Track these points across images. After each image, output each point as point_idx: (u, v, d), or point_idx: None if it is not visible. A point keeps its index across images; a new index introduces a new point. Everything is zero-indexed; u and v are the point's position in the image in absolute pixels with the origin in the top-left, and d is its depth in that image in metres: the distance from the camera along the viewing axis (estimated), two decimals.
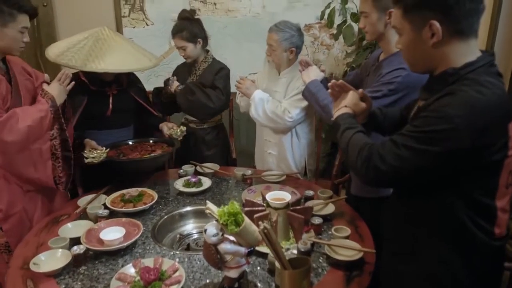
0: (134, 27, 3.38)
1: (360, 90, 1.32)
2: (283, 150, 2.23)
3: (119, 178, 1.95)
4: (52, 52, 1.97)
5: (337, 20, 3.03)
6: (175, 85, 2.32)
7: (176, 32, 2.27)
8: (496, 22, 2.35)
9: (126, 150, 2.03)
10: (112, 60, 1.94)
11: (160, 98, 2.45)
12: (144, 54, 2.16)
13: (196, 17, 2.37)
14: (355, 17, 2.89)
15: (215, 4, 3.31)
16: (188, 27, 2.27)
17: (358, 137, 1.13)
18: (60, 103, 1.77)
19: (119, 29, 3.36)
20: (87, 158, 1.83)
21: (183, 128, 2.17)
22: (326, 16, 3.00)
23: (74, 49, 1.95)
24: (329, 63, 3.43)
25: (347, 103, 1.28)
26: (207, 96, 2.27)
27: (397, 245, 1.17)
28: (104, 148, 1.92)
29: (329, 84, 1.32)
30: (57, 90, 1.77)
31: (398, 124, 1.31)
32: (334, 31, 3.10)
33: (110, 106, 2.10)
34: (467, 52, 0.99)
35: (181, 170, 2.06)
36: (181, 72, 2.48)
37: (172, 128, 2.17)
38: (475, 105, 0.91)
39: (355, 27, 2.93)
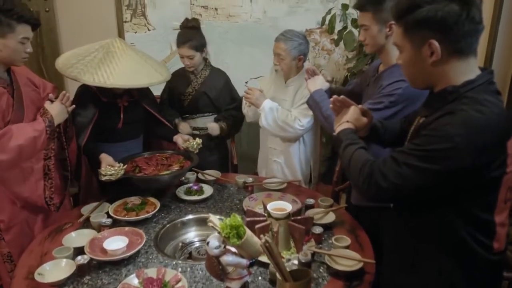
0: (135, 32, 3.40)
1: (360, 105, 1.34)
2: (289, 157, 2.26)
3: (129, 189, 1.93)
4: (62, 63, 1.94)
5: (338, 26, 3.05)
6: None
7: (185, 41, 2.26)
8: (495, 29, 2.37)
9: (142, 163, 1.96)
10: (122, 75, 1.88)
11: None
12: (156, 68, 2.09)
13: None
14: (356, 23, 2.90)
15: (216, 9, 3.33)
16: (196, 36, 2.29)
17: (360, 154, 1.15)
18: (60, 123, 1.76)
19: (120, 34, 3.38)
20: (104, 175, 1.74)
21: (199, 141, 2.09)
22: (327, 22, 3.01)
23: (84, 61, 1.91)
24: (330, 68, 3.45)
25: (349, 118, 1.30)
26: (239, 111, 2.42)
27: (398, 257, 1.19)
28: (122, 164, 1.83)
29: (331, 99, 1.34)
30: (57, 109, 1.75)
31: (398, 136, 1.33)
32: (335, 37, 3.11)
33: (121, 118, 2.06)
34: (466, 70, 1.01)
35: (183, 177, 2.08)
36: (179, 82, 2.45)
37: (188, 141, 2.09)
38: (475, 124, 0.92)
39: (356, 33, 2.94)
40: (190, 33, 2.29)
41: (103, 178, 1.73)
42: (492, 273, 1.08)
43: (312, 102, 1.88)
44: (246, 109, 2.35)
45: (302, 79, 2.14)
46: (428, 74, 1.04)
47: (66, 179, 1.81)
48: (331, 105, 1.36)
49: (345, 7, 2.99)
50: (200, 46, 2.30)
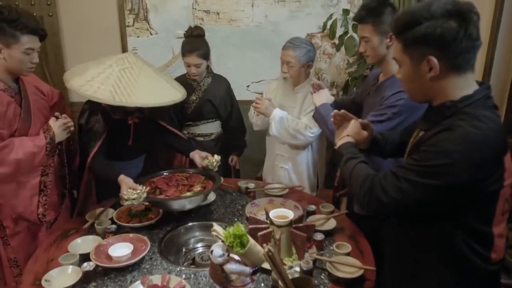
0: (138, 36, 3.42)
1: (360, 119, 1.36)
2: (297, 164, 2.29)
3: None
4: (75, 82, 1.81)
5: (339, 31, 3.07)
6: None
7: (192, 50, 2.26)
8: (495, 37, 2.39)
9: (161, 184, 1.87)
10: (143, 93, 1.79)
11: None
12: (172, 85, 2.05)
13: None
14: (357, 28, 2.92)
15: (218, 14, 3.35)
16: (202, 44, 2.31)
17: (360, 168, 1.17)
18: (61, 140, 1.77)
19: (123, 38, 3.40)
20: (127, 200, 1.63)
21: (218, 158, 2.00)
22: (328, 27, 3.03)
23: (99, 79, 1.80)
24: (331, 72, 3.47)
25: (349, 132, 1.32)
26: (241, 124, 2.56)
27: (398, 267, 1.21)
28: (143, 186, 1.71)
29: (332, 113, 1.36)
30: (60, 127, 1.75)
31: (398, 147, 1.35)
32: (336, 42, 3.13)
33: (131, 135, 2.00)
34: (464, 85, 1.03)
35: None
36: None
37: (206, 158, 1.98)
38: (472, 140, 0.95)
39: (357, 38, 2.97)
40: (197, 42, 2.31)
41: (126, 203, 1.64)
42: (490, 283, 1.10)
43: (318, 116, 1.90)
44: (254, 118, 2.37)
45: (310, 86, 2.17)
46: (427, 89, 1.07)
47: (64, 196, 1.80)
48: (332, 119, 1.38)
49: (346, 12, 3.01)
50: (207, 54, 2.33)
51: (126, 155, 2.06)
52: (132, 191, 1.64)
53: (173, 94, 1.95)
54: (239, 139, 2.64)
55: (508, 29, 2.38)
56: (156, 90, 1.88)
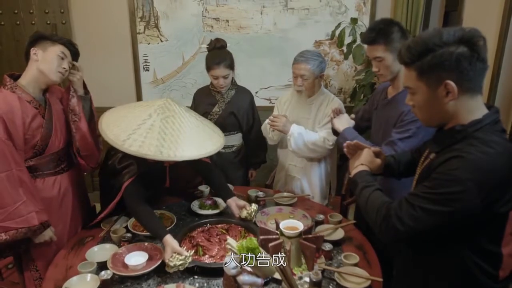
0: (148, 43, 3.49)
1: (373, 148, 1.41)
2: (310, 174, 2.36)
3: None
4: (115, 135, 1.65)
5: (347, 39, 3.11)
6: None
7: (220, 61, 2.28)
8: (502, 50, 2.42)
9: (202, 240, 1.73)
10: (189, 145, 1.67)
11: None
12: (213, 130, 1.95)
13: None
14: None
15: (227, 21, 3.41)
16: (228, 55, 2.33)
17: (375, 196, 1.22)
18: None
19: (134, 45, 3.48)
20: (173, 266, 1.49)
21: (256, 207, 1.91)
22: (336, 35, 3.08)
23: (140, 131, 1.65)
24: (338, 79, 3.52)
25: (363, 161, 1.37)
26: (262, 140, 2.55)
27: (407, 283, 1.26)
28: (189, 251, 1.56)
29: (344, 144, 1.42)
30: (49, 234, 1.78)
31: (411, 167, 1.39)
32: (344, 49, 3.18)
33: (167, 178, 2.00)
34: (475, 108, 1.08)
35: (198, 191, 2.16)
36: (204, 101, 2.48)
37: (245, 209, 1.88)
38: (482, 167, 0.99)
39: (365, 46, 3.01)
40: (222, 53, 2.33)
41: (171, 270, 1.50)
42: None
43: (343, 140, 1.86)
44: (270, 133, 2.41)
45: (323, 97, 2.26)
46: (443, 113, 1.10)
47: None
48: (345, 150, 1.43)
49: (354, 21, 3.05)
50: (232, 64, 2.36)
51: (160, 196, 2.08)
52: (177, 257, 1.51)
53: (216, 141, 1.84)
54: (259, 156, 2.65)
55: None
56: (201, 140, 1.77)
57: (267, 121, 2.32)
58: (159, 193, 2.05)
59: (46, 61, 1.78)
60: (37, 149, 1.78)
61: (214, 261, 1.63)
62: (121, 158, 1.87)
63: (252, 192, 2.15)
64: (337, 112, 2.02)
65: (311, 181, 2.37)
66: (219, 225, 1.87)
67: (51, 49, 1.79)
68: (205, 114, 2.44)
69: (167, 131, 1.66)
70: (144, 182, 1.80)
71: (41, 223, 1.71)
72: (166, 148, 1.61)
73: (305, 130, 2.24)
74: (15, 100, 1.71)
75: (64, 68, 1.82)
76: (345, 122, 1.96)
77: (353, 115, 2.07)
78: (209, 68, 2.32)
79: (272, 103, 3.46)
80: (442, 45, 1.03)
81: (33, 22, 3.39)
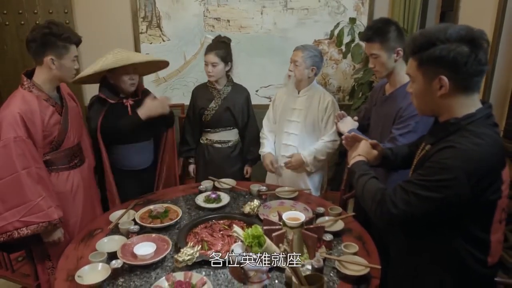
0: (151, 43, 3.55)
1: (370, 140, 1.49)
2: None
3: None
4: (81, 74, 2.18)
5: (346, 38, 3.18)
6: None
7: (212, 48, 2.47)
8: (497, 43, 2.50)
9: (206, 236, 1.80)
10: (138, 56, 2.26)
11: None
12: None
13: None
14: None
15: (228, 21, 3.47)
16: (223, 48, 2.48)
17: (371, 183, 1.29)
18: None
19: (136, 44, 3.54)
20: (181, 261, 1.55)
21: (258, 203, 1.97)
22: (335, 35, 3.14)
23: (98, 61, 2.17)
24: (337, 77, 3.59)
25: (360, 152, 1.45)
26: (257, 136, 2.65)
27: (401, 269, 1.34)
28: (197, 246, 1.63)
29: (343, 136, 1.50)
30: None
31: (408, 159, 1.47)
32: (343, 49, 3.24)
33: (130, 111, 2.27)
34: (469, 104, 1.14)
35: (201, 186, 2.22)
36: (201, 96, 2.63)
37: (249, 205, 1.95)
38: (472, 157, 1.06)
39: (363, 45, 3.08)
40: (219, 44, 2.49)
41: (180, 265, 1.56)
42: (486, 284, 1.21)
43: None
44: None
45: (313, 91, 2.37)
46: (435, 104, 1.17)
47: None
48: (343, 142, 1.50)
49: (352, 20, 3.12)
50: (225, 57, 2.47)
51: (133, 136, 2.28)
52: (185, 252, 1.58)
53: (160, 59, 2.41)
54: (254, 153, 2.71)
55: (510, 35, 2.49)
56: (146, 57, 2.46)
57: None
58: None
59: (64, 69, 1.85)
60: (53, 145, 1.86)
61: (220, 255, 1.66)
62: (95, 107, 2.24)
63: (254, 187, 2.21)
64: (340, 116, 2.09)
65: (302, 173, 2.47)
66: (221, 221, 1.93)
67: (66, 57, 1.84)
68: (202, 109, 2.57)
69: (118, 55, 2.19)
70: (113, 119, 2.20)
71: (59, 217, 1.79)
72: (119, 59, 2.13)
73: (316, 151, 2.40)
74: (33, 100, 1.78)
75: (76, 68, 1.90)
76: (349, 124, 2.03)
77: (356, 117, 2.15)
78: (204, 54, 2.50)
79: None
80: (445, 41, 1.08)
81: (37, 22, 3.44)
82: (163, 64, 2.48)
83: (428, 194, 1.10)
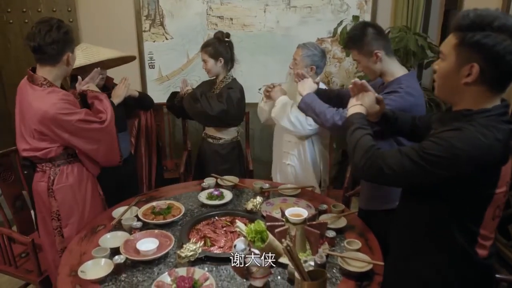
0: (154, 41, 3.56)
1: (377, 95, 1.44)
2: (303, 161, 2.43)
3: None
4: None
5: None
6: (185, 89, 2.54)
7: (204, 46, 2.53)
8: None
9: (208, 232, 1.80)
10: (107, 53, 2.33)
11: (174, 101, 2.68)
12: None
13: (228, 40, 2.57)
14: None
15: (231, 19, 3.48)
16: (214, 44, 2.50)
17: (367, 138, 1.25)
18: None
19: (139, 43, 3.55)
20: (184, 258, 1.54)
21: (260, 199, 1.98)
22: (338, 33, 3.14)
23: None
24: (340, 75, 3.59)
25: (364, 102, 1.39)
26: (208, 104, 2.46)
27: (398, 251, 1.34)
28: (199, 242, 1.63)
29: (352, 81, 1.43)
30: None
31: (406, 126, 1.46)
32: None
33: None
34: (488, 101, 1.09)
35: (204, 183, 2.23)
36: (204, 87, 2.69)
37: (251, 202, 1.96)
38: (476, 144, 1.03)
39: None
40: (211, 41, 2.53)
41: (183, 261, 1.55)
42: (481, 274, 1.21)
43: (304, 105, 1.95)
44: (262, 103, 2.51)
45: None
46: (455, 90, 1.11)
47: None
48: (350, 86, 1.44)
49: (355, 18, 3.12)
50: (215, 54, 2.49)
51: None
52: (188, 248, 1.57)
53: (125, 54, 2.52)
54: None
55: None
56: (116, 53, 2.44)
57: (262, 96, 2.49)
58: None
59: (74, 62, 1.92)
60: None
61: (223, 251, 1.69)
62: None
63: (257, 184, 2.21)
64: (300, 76, 2.06)
65: (305, 169, 2.44)
66: (223, 218, 1.93)
67: (74, 50, 1.92)
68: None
69: (87, 51, 2.30)
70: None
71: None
72: (91, 58, 2.25)
73: (293, 103, 2.30)
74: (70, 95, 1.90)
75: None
76: (307, 87, 2.01)
77: (318, 79, 2.14)
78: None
79: None
80: (496, 29, 1.00)
81: None
82: (130, 59, 2.60)
83: (422, 163, 1.08)
